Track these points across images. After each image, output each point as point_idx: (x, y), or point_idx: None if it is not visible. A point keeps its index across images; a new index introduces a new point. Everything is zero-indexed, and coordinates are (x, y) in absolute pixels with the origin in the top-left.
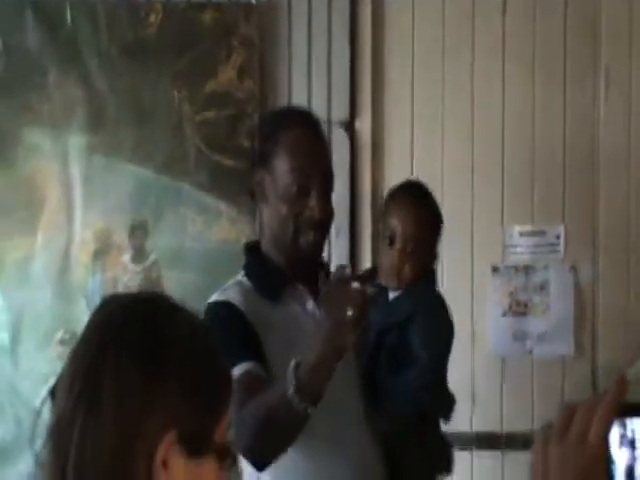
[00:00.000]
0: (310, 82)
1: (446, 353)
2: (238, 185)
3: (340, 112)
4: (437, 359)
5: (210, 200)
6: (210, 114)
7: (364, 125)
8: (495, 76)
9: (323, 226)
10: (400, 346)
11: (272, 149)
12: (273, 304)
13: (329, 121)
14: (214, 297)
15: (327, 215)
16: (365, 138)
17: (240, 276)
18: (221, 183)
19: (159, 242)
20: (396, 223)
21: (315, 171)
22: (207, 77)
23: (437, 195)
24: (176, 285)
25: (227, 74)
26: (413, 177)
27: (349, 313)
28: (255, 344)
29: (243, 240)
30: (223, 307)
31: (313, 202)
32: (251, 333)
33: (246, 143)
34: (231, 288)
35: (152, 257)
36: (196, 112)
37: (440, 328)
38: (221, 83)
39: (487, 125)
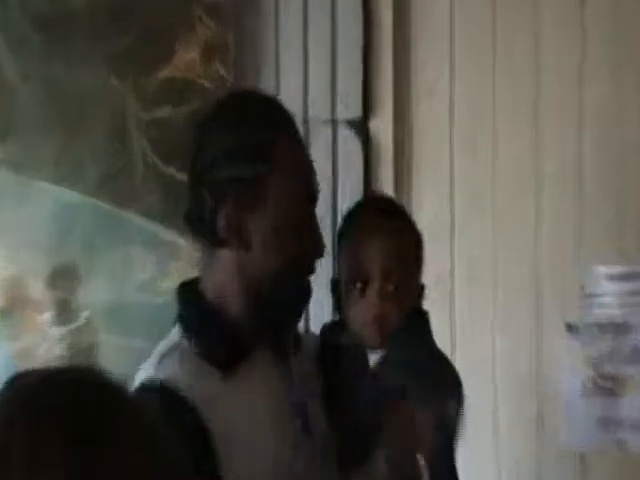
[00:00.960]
0: (306, 66)
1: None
2: None
3: (348, 108)
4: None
5: (163, 232)
6: (164, 111)
7: (383, 126)
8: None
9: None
10: None
11: (261, 173)
12: (225, 376)
13: (333, 120)
14: (147, 371)
15: None
16: (385, 143)
17: (175, 333)
18: (178, 208)
19: (93, 295)
20: (368, 257)
21: (316, 194)
22: (159, 60)
23: (487, 222)
24: (116, 354)
25: (187, 56)
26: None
27: (420, 460)
28: (208, 460)
29: None
30: (165, 399)
31: (316, 233)
32: (203, 443)
33: None
34: (169, 357)
35: (83, 316)
36: (144, 109)
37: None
38: (179, 68)
39: (557, 120)
